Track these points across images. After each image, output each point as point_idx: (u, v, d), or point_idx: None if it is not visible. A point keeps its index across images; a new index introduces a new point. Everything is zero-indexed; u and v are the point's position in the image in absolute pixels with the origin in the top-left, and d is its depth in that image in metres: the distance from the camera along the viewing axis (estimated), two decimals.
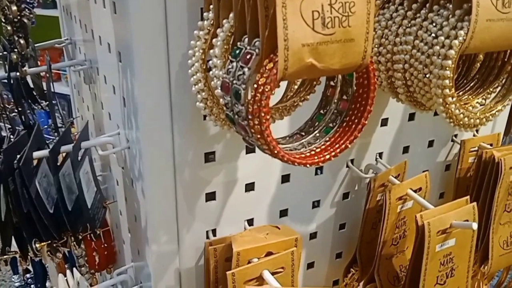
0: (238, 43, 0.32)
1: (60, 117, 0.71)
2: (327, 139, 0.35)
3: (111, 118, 0.57)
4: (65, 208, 0.49)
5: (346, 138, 0.34)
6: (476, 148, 0.60)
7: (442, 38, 0.36)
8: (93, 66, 0.62)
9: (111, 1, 0.43)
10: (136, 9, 0.37)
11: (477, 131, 0.62)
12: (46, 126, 0.74)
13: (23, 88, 0.70)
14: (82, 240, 0.56)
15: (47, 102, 0.74)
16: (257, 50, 0.30)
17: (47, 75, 0.61)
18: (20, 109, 0.71)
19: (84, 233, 0.51)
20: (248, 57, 0.30)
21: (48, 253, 0.50)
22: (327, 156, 0.34)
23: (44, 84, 0.75)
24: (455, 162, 0.62)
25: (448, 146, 0.62)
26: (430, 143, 0.60)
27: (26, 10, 0.52)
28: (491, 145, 0.61)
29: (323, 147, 0.35)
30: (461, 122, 0.38)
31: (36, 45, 0.74)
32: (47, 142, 0.66)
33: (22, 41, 0.47)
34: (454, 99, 0.37)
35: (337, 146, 0.34)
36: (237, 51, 0.31)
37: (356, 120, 0.34)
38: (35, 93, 0.77)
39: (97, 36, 0.54)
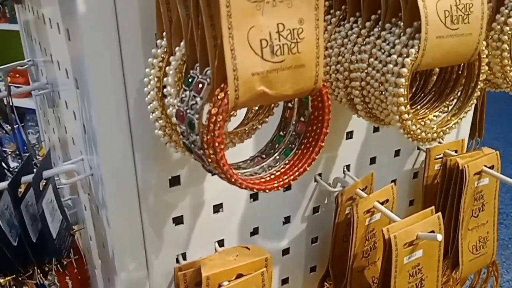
0: (191, 71, 0.32)
1: (25, 142, 0.69)
2: (287, 161, 0.35)
3: (75, 143, 0.56)
4: (29, 240, 0.47)
5: (304, 161, 0.34)
6: (441, 155, 0.61)
7: (395, 56, 0.36)
8: (55, 90, 0.61)
9: (65, 27, 0.43)
10: (88, 37, 0.37)
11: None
12: (11, 152, 0.72)
13: None
14: (51, 269, 0.55)
15: (11, 126, 0.73)
16: (208, 80, 0.30)
17: (8, 99, 0.60)
18: None
19: (51, 264, 0.50)
20: (200, 86, 0.30)
21: (13, 287, 0.49)
22: (286, 180, 0.34)
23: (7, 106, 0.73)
24: (422, 170, 0.62)
25: (415, 154, 0.63)
26: (397, 153, 0.61)
27: None
28: (456, 151, 0.62)
29: (282, 170, 0.35)
30: (419, 137, 0.39)
31: None
32: (11, 169, 0.65)
33: None
34: (410, 115, 0.37)
35: (295, 169, 0.34)
36: (190, 80, 0.31)
37: (313, 142, 0.34)
38: None
39: (56, 60, 0.53)
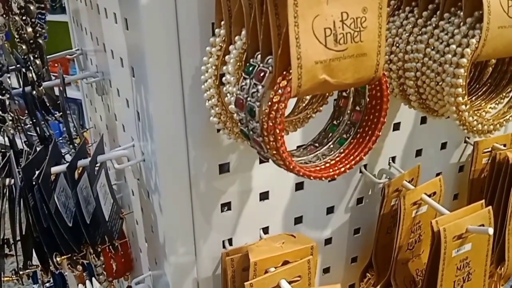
0: (251, 60, 0.32)
1: (75, 128, 0.72)
2: (341, 150, 0.35)
3: (125, 130, 0.57)
4: (84, 222, 0.50)
5: (360, 150, 0.34)
6: (489, 149, 0.60)
7: (454, 46, 0.36)
8: (106, 78, 0.63)
9: (123, 17, 0.44)
10: (148, 26, 0.38)
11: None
12: (60, 138, 0.74)
13: (37, 100, 0.71)
14: (102, 251, 0.57)
15: (61, 113, 0.75)
16: (270, 68, 0.30)
17: (61, 87, 0.62)
18: (34, 121, 0.72)
19: (103, 245, 0.52)
20: (261, 74, 0.31)
21: (69, 266, 0.51)
22: (342, 169, 0.34)
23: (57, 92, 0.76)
24: (468, 164, 0.61)
25: (461, 148, 0.62)
26: (443, 145, 0.60)
27: (39, 26, 0.53)
28: (504, 145, 0.60)
29: (337, 159, 0.35)
30: (475, 129, 0.38)
31: (47, 56, 0.75)
32: (63, 154, 0.68)
33: (38, 61, 0.48)
34: (467, 106, 0.37)
35: (351, 158, 0.34)
36: (251, 68, 0.32)
37: (370, 132, 0.34)
38: (48, 104, 0.78)
39: (109, 49, 0.54)
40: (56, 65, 1.85)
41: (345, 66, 0.30)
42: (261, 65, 0.31)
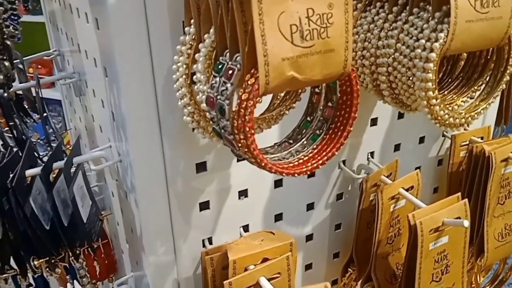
0: (221, 58, 0.32)
1: (53, 130, 0.71)
2: (314, 146, 0.36)
3: (102, 131, 0.57)
4: (61, 224, 0.49)
5: (332, 146, 0.34)
6: (467, 142, 0.60)
7: (423, 41, 0.36)
8: (82, 79, 0.62)
9: (93, 17, 0.43)
10: (117, 25, 0.37)
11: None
12: (39, 140, 0.74)
13: (14, 102, 0.70)
14: (81, 253, 0.57)
15: (39, 115, 0.74)
16: (238, 66, 0.30)
17: (36, 89, 0.61)
18: (11, 123, 0.71)
19: (82, 248, 0.51)
20: (230, 72, 0.30)
21: (47, 269, 0.51)
22: (315, 164, 0.34)
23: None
24: (447, 157, 0.62)
25: (440, 141, 0.62)
26: (421, 139, 0.60)
27: (11, 27, 0.52)
28: (482, 138, 0.61)
29: (310, 155, 0.35)
30: (447, 122, 0.38)
31: (24, 58, 0.74)
32: (41, 156, 0.67)
33: (6, 63, 0.47)
34: (438, 100, 0.37)
35: (324, 153, 0.34)
36: (220, 66, 0.32)
37: (341, 127, 0.34)
38: (26, 106, 0.77)
39: (83, 50, 0.54)
40: (39, 66, 1.83)
41: (312, 62, 0.30)
42: (229, 63, 0.31)
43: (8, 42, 0.45)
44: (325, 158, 0.34)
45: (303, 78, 0.30)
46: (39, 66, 1.85)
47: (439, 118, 0.38)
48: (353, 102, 0.33)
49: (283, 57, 0.28)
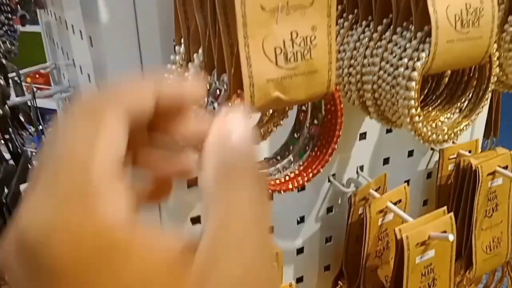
0: (208, 78, 0.33)
1: None
2: (301, 163, 0.36)
3: None
4: None
5: (318, 163, 0.35)
6: (455, 156, 0.61)
7: (406, 60, 0.37)
8: (77, 93, 0.63)
9: (87, 34, 0.45)
10: (110, 43, 0.38)
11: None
12: (34, 154, 0.74)
13: (9, 115, 0.71)
14: None
15: (35, 128, 0.75)
16: (225, 86, 0.31)
17: (32, 103, 0.62)
18: (7, 136, 0.71)
19: None
20: (217, 93, 0.31)
21: None
22: (300, 182, 0.35)
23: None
24: (435, 170, 0.63)
25: (428, 155, 0.63)
26: (410, 153, 0.61)
27: (8, 43, 0.53)
28: (469, 152, 0.62)
29: (297, 172, 0.36)
30: (430, 139, 0.39)
31: (21, 71, 0.75)
32: None
33: (2, 82, 0.48)
34: (421, 117, 0.38)
35: (309, 170, 0.35)
36: (207, 87, 0.33)
37: (326, 145, 0.35)
38: (22, 119, 0.77)
39: (78, 65, 0.55)
40: (37, 76, 1.84)
41: (297, 83, 0.31)
42: (217, 83, 0.32)
43: (4, 61, 0.46)
44: (311, 175, 0.35)
45: (288, 98, 0.31)
46: (37, 76, 1.86)
47: (422, 134, 0.39)
48: (337, 120, 0.34)
49: (268, 79, 0.29)
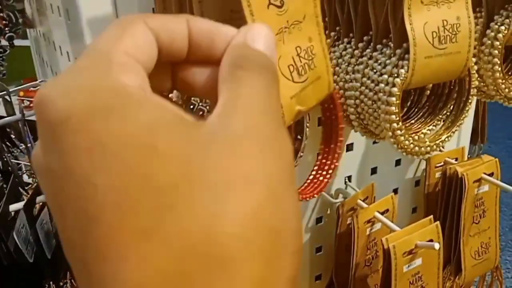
0: (192, 99, 0.34)
1: None
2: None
3: None
4: (44, 257, 0.50)
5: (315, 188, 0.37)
6: (442, 163, 0.62)
7: (386, 76, 0.38)
8: None
9: (74, 56, 0.45)
10: None
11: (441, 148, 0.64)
12: (25, 171, 0.75)
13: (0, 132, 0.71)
14: (64, 285, 0.57)
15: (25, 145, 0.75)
16: (208, 107, 0.32)
17: (22, 123, 0.62)
18: None
19: (65, 279, 0.52)
20: (200, 113, 0.32)
21: None
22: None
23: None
24: (423, 178, 0.64)
25: (416, 163, 0.64)
26: (398, 162, 0.62)
27: None
28: (456, 159, 0.63)
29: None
30: (412, 151, 0.40)
31: (11, 90, 0.75)
32: (26, 188, 0.68)
33: None
34: (403, 131, 0.39)
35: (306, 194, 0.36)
36: (191, 107, 0.33)
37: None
38: (13, 136, 0.78)
39: None
40: (30, 89, 1.84)
41: (309, 92, 0.33)
42: (200, 104, 0.33)
43: None
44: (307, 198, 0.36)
45: (305, 109, 0.33)
46: (31, 89, 1.87)
47: (404, 147, 0.40)
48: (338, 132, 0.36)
49: (291, 96, 0.31)
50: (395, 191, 0.62)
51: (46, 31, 0.61)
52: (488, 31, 0.45)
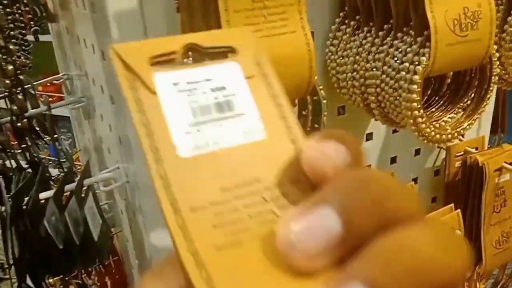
0: None
1: (64, 152, 0.74)
2: None
3: (110, 153, 0.60)
4: (74, 243, 0.52)
5: None
6: (462, 153, 0.62)
7: (407, 64, 0.38)
8: (90, 103, 0.65)
9: (100, 49, 0.46)
10: None
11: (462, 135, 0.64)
12: (49, 158, 0.77)
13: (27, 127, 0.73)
14: (93, 270, 0.59)
15: (50, 137, 0.78)
16: None
17: (47, 115, 0.64)
18: (23, 145, 0.74)
19: (94, 265, 0.54)
20: None
21: (61, 286, 0.53)
22: None
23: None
24: (443, 168, 0.64)
25: (435, 153, 0.64)
26: (417, 151, 0.62)
27: (23, 57, 0.55)
28: (476, 148, 0.63)
29: None
30: (434, 139, 0.41)
31: (35, 83, 0.77)
32: (53, 177, 0.70)
33: (20, 96, 0.50)
34: (424, 119, 0.39)
35: None
36: None
37: None
38: (37, 129, 0.80)
39: (91, 77, 0.57)
40: (48, 84, 1.88)
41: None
42: None
43: (21, 77, 0.48)
44: None
45: None
46: (48, 84, 1.90)
47: (426, 134, 0.40)
48: None
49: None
50: (415, 180, 0.62)
51: (69, 25, 0.63)
52: (509, 18, 0.45)
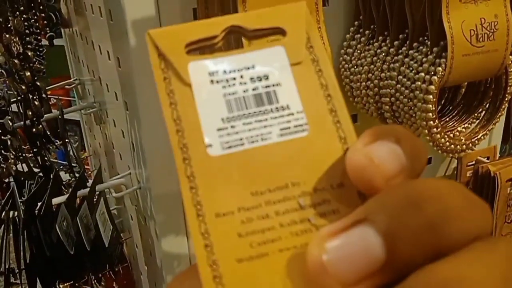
0: None
1: (74, 157, 0.75)
2: None
3: (122, 159, 0.60)
4: (84, 249, 0.52)
5: None
6: (473, 162, 0.62)
7: (423, 74, 0.38)
8: (102, 109, 0.66)
9: (115, 56, 0.47)
10: (139, 68, 0.41)
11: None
12: (59, 162, 0.77)
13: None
14: (102, 276, 0.59)
15: (61, 142, 0.78)
16: None
17: (60, 121, 0.65)
18: (35, 150, 0.74)
19: (104, 271, 0.54)
20: None
21: None
22: None
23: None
24: (454, 177, 0.63)
25: (447, 162, 0.64)
26: (429, 160, 0.62)
27: (37, 63, 0.56)
28: (488, 158, 0.62)
29: None
30: (448, 149, 0.40)
31: (47, 87, 0.78)
32: (64, 182, 0.70)
33: (37, 103, 0.51)
34: (439, 129, 0.39)
35: None
36: None
37: None
38: (48, 133, 0.80)
39: (105, 83, 0.57)
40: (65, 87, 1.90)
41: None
42: None
43: (39, 83, 0.49)
44: None
45: None
46: (65, 87, 1.91)
47: (440, 144, 0.40)
48: None
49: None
50: None
51: (83, 30, 0.63)
52: None
